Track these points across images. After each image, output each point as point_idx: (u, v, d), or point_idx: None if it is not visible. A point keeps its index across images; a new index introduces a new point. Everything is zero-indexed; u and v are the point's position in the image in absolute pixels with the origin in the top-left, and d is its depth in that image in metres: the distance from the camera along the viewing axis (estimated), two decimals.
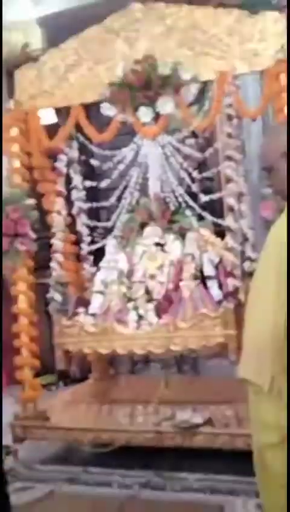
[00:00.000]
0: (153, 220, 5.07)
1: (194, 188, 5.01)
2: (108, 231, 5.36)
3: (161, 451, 4.74)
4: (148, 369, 6.70)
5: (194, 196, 5.07)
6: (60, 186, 5.27)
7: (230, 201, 4.66)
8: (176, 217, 5.04)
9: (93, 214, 5.71)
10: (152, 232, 4.99)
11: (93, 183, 5.37)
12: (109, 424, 4.92)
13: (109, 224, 5.28)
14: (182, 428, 4.57)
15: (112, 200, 5.27)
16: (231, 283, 4.56)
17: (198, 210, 4.96)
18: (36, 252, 5.25)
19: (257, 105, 4.83)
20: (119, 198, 5.22)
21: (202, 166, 5.34)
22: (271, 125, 5.56)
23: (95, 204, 5.49)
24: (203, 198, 4.90)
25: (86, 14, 5.70)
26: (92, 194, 5.54)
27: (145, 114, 4.76)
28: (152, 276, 4.87)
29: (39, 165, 5.36)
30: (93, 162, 5.29)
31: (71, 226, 5.47)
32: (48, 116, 5.59)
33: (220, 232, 5.06)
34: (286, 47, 4.31)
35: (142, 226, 5.11)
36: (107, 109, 4.89)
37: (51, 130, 5.31)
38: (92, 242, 5.57)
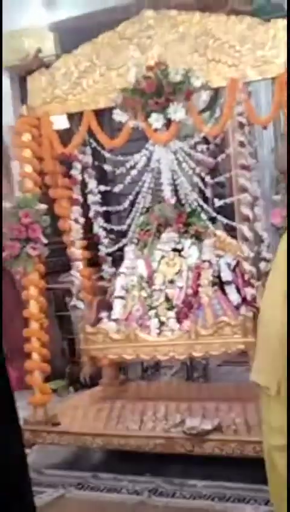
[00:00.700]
0: (168, 225, 5.08)
1: (207, 193, 5.03)
2: (122, 235, 5.37)
3: (171, 458, 4.75)
4: (158, 375, 6.71)
5: (206, 202, 5.08)
6: (76, 194, 5.28)
7: (245, 210, 4.67)
8: (192, 219, 5.05)
9: (104, 218, 5.71)
10: (169, 238, 5.00)
11: (107, 188, 5.37)
12: (118, 429, 4.93)
13: (123, 227, 5.29)
14: (192, 435, 4.57)
15: (126, 204, 5.28)
16: (249, 292, 4.59)
17: (213, 213, 4.97)
18: (47, 257, 5.26)
19: (269, 112, 4.83)
20: (132, 203, 5.23)
21: (213, 172, 5.34)
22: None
23: (109, 209, 5.49)
24: (218, 202, 4.89)
25: (99, 20, 5.72)
26: (104, 199, 5.54)
27: (156, 120, 4.76)
28: (171, 282, 4.89)
29: (51, 170, 5.37)
30: (106, 167, 5.30)
31: (84, 232, 5.48)
32: (60, 122, 5.61)
33: (232, 238, 5.12)
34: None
35: (159, 230, 5.13)
36: (118, 115, 4.90)
37: (63, 135, 5.33)
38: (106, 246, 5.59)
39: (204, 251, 4.89)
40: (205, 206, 4.97)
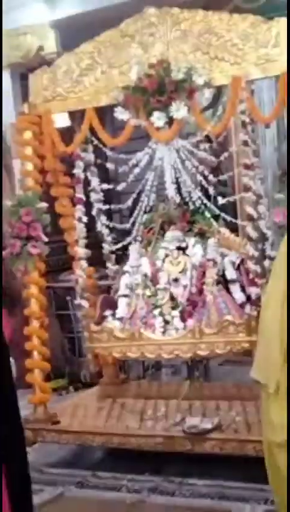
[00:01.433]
0: (172, 223, 5.07)
1: (211, 191, 5.01)
2: (125, 234, 5.35)
3: (171, 457, 4.74)
4: (159, 375, 6.70)
5: (210, 200, 5.07)
6: (79, 193, 5.27)
7: (249, 209, 4.65)
8: (195, 217, 5.04)
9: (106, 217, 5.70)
10: (173, 237, 4.99)
11: (110, 186, 5.36)
12: (118, 428, 4.92)
13: (127, 226, 5.28)
14: (192, 434, 4.56)
15: (129, 202, 5.27)
16: (253, 292, 4.58)
17: (216, 211, 4.96)
18: (47, 256, 5.25)
19: (272, 110, 4.82)
20: (135, 202, 5.21)
21: (215, 170, 5.33)
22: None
23: (111, 207, 5.47)
24: (221, 201, 4.88)
25: (101, 17, 5.70)
26: (106, 197, 5.53)
27: (158, 118, 4.75)
28: (175, 280, 4.88)
29: (52, 168, 5.36)
30: (109, 165, 5.28)
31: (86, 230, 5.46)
32: (62, 120, 5.59)
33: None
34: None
35: (163, 228, 5.11)
36: (120, 113, 4.89)
37: (64, 133, 5.32)
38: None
39: (208, 250, 4.88)
40: (208, 204, 4.95)
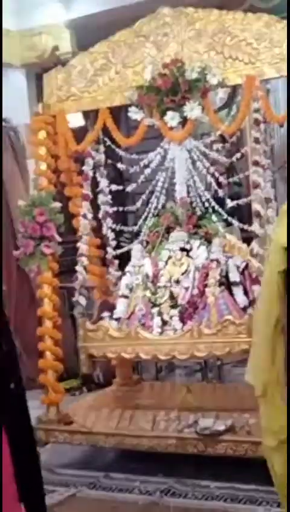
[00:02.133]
0: (178, 225, 5.04)
1: (221, 193, 4.98)
2: (135, 235, 5.34)
3: (183, 458, 4.71)
4: (172, 376, 6.68)
5: (221, 201, 5.03)
6: (86, 190, 5.25)
7: (257, 207, 4.61)
8: (203, 221, 5.00)
9: (120, 218, 5.69)
10: (178, 237, 4.96)
11: (120, 187, 5.35)
12: (131, 429, 4.89)
13: (134, 228, 5.27)
14: (204, 435, 4.53)
15: (138, 204, 5.26)
16: (256, 290, 4.51)
17: (225, 215, 4.92)
18: (61, 256, 5.24)
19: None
20: (146, 203, 5.20)
21: (230, 171, 5.31)
22: None
23: (121, 208, 5.46)
24: (230, 203, 4.86)
25: (116, 17, 5.70)
26: (120, 198, 5.52)
27: (172, 118, 4.74)
28: (177, 281, 4.84)
29: (66, 168, 5.36)
30: (120, 166, 5.27)
31: (97, 230, 5.46)
32: (76, 119, 5.59)
33: (248, 239, 5.03)
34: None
35: (168, 230, 5.09)
36: (134, 113, 4.88)
37: (78, 133, 5.31)
38: (118, 246, 5.56)
39: (213, 250, 4.83)
40: (217, 207, 4.92)
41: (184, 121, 4.75)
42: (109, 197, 5.39)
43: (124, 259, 5.42)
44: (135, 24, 5.02)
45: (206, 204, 4.94)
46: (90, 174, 5.22)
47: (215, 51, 4.70)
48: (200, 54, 4.74)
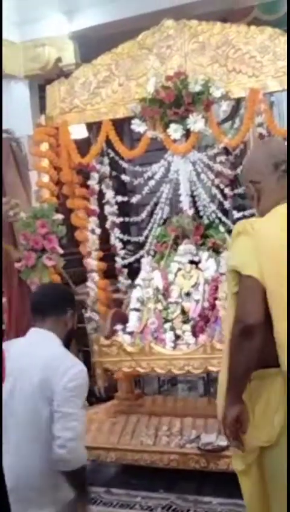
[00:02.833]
0: (186, 236, 5.01)
1: (226, 204, 4.96)
2: (139, 246, 5.32)
3: (185, 474, 4.67)
4: (175, 390, 6.62)
5: (226, 213, 5.02)
6: (94, 205, 5.23)
7: None
8: (209, 231, 4.99)
9: (123, 229, 5.67)
10: (186, 250, 4.93)
11: (125, 198, 5.33)
12: (132, 444, 4.85)
13: (141, 238, 5.24)
14: (207, 451, 4.49)
15: (143, 215, 5.24)
16: None
17: (231, 226, 4.90)
18: (63, 268, 5.21)
19: None
20: (150, 214, 5.18)
21: (233, 183, 5.28)
22: None
23: (126, 219, 5.43)
24: (236, 215, 4.84)
25: (119, 29, 5.69)
26: (123, 210, 5.50)
27: (175, 131, 4.74)
28: (187, 294, 4.82)
29: (68, 180, 5.34)
30: (124, 177, 5.25)
31: (100, 243, 5.43)
32: (79, 131, 5.57)
33: None
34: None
35: (176, 241, 5.06)
36: (137, 125, 4.87)
37: (81, 145, 5.30)
38: (122, 258, 5.54)
39: (222, 263, 4.81)
40: (223, 218, 4.90)
41: (187, 133, 4.75)
42: (116, 207, 5.37)
43: (131, 271, 5.42)
44: (139, 36, 5.02)
45: (213, 215, 4.92)
46: (97, 188, 5.21)
47: (218, 64, 4.70)
48: (203, 67, 4.73)
